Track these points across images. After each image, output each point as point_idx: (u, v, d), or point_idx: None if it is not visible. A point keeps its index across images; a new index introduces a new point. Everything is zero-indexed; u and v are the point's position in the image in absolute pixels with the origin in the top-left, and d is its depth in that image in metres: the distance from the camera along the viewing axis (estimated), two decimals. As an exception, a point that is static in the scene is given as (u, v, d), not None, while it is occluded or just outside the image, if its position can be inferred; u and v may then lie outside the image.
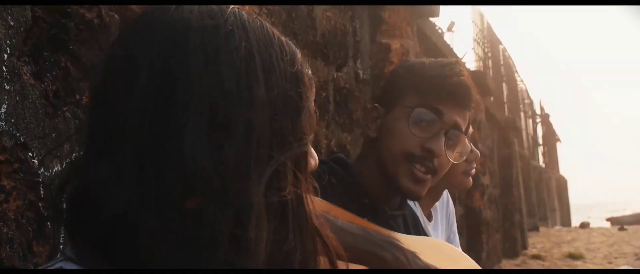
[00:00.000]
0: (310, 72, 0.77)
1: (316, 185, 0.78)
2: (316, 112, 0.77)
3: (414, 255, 1.10)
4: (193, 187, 0.64)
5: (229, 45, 0.67)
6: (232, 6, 0.72)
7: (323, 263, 0.76)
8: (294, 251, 0.69)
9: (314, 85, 0.77)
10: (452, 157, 1.39)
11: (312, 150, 0.78)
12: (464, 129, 1.40)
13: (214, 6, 0.71)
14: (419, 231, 1.55)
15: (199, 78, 0.65)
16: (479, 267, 1.33)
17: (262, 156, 0.66)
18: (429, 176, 1.37)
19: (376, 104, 1.45)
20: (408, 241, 1.18)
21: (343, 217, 1.13)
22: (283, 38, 0.75)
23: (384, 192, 1.42)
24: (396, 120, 1.38)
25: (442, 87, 1.37)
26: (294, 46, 0.76)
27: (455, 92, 1.37)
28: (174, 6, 0.70)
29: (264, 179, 0.66)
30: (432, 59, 1.49)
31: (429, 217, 1.89)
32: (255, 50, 0.69)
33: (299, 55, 0.75)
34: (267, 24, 0.74)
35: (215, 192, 0.64)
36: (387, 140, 1.39)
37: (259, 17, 0.74)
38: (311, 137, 0.74)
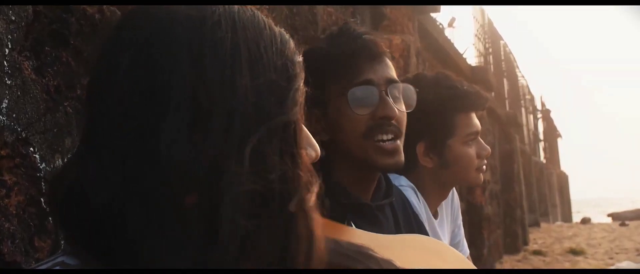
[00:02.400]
0: (301, 59, 0.75)
1: (311, 169, 0.75)
2: (306, 91, 0.75)
3: (388, 262, 1.09)
4: (176, 183, 0.63)
5: (214, 36, 0.67)
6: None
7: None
8: (281, 238, 0.67)
9: (303, 72, 0.75)
10: (405, 109, 1.37)
11: (312, 140, 0.77)
12: (397, 76, 1.37)
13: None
14: (409, 215, 1.52)
15: (180, 71, 0.65)
16: (466, 260, 1.32)
17: (244, 149, 0.65)
18: (398, 142, 1.35)
19: (313, 110, 1.42)
20: (389, 242, 1.17)
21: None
22: (276, 28, 0.73)
23: (363, 183, 1.39)
24: (338, 112, 1.34)
25: (354, 58, 1.33)
26: (286, 36, 0.74)
27: (369, 53, 1.34)
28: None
29: (245, 167, 0.65)
30: (324, 42, 1.43)
31: (436, 215, 1.88)
32: (241, 42, 0.68)
33: (291, 45, 0.74)
34: (259, 14, 0.73)
35: (193, 186, 0.64)
36: (341, 134, 1.35)
37: (251, 8, 0.73)
38: (296, 111, 0.71)
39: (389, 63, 1.38)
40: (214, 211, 0.64)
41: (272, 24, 0.74)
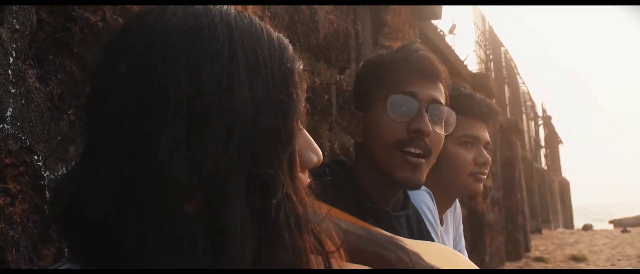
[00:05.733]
0: (301, 66, 0.75)
1: (309, 180, 0.75)
2: (308, 109, 0.75)
3: (417, 256, 1.10)
4: (173, 194, 0.63)
5: (211, 47, 0.66)
6: (220, 6, 0.71)
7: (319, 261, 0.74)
8: (282, 250, 0.67)
9: (304, 81, 0.74)
10: (441, 131, 1.40)
11: (315, 145, 0.77)
12: (443, 101, 1.41)
13: (200, 7, 0.70)
14: (422, 230, 1.55)
15: (176, 82, 0.64)
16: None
17: (243, 160, 0.65)
18: (423, 160, 1.37)
19: (354, 110, 1.46)
20: (410, 244, 1.18)
21: (345, 220, 1.12)
22: (274, 34, 0.73)
23: (385, 193, 1.42)
24: (376, 116, 1.39)
25: (405, 69, 1.38)
26: (285, 42, 0.74)
27: (419, 68, 1.38)
28: (159, 9, 0.69)
29: (246, 183, 0.65)
30: (389, 49, 1.51)
31: (441, 222, 1.89)
32: (239, 50, 0.67)
33: (289, 51, 0.73)
34: (256, 20, 0.72)
35: (191, 197, 0.64)
36: (373, 138, 1.39)
37: (249, 14, 0.72)
38: (294, 123, 0.70)
39: (440, 87, 1.41)
40: (215, 224, 0.64)
41: (271, 31, 0.73)
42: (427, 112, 1.36)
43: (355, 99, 1.50)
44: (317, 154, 0.77)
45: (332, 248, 0.73)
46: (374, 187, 1.41)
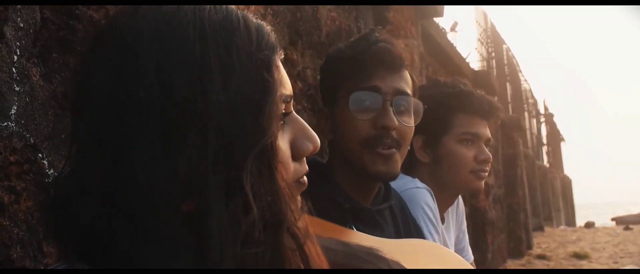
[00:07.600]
0: (283, 55, 0.73)
1: (306, 169, 0.74)
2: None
3: (398, 264, 1.09)
4: (156, 200, 0.62)
5: (182, 50, 0.65)
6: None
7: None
8: (263, 252, 0.66)
9: (282, 76, 0.72)
10: (409, 123, 1.36)
11: (310, 132, 0.75)
12: (409, 90, 1.36)
13: (172, 7, 0.68)
14: (407, 220, 1.52)
15: (148, 91, 0.63)
16: (469, 265, 1.32)
17: (221, 165, 0.64)
18: (394, 150, 1.33)
19: (322, 107, 1.43)
20: (394, 246, 1.17)
21: (322, 231, 1.10)
22: (252, 24, 0.70)
23: (362, 188, 1.39)
24: (341, 113, 1.35)
25: (366, 62, 1.33)
26: (264, 31, 0.71)
27: (381, 60, 1.33)
28: (131, 12, 0.68)
29: (225, 187, 0.64)
30: (351, 40, 1.44)
31: (442, 220, 1.88)
32: (211, 51, 0.65)
33: (268, 41, 0.71)
34: (233, 11, 0.70)
35: (173, 207, 0.63)
36: (341, 136, 1.36)
37: (226, 6, 0.70)
38: (272, 125, 0.68)
39: (405, 75, 1.37)
40: (199, 228, 0.63)
41: (249, 20, 0.70)
42: (392, 105, 1.32)
43: (322, 95, 1.45)
44: (312, 141, 0.75)
45: (310, 247, 0.71)
46: (351, 184, 1.37)
